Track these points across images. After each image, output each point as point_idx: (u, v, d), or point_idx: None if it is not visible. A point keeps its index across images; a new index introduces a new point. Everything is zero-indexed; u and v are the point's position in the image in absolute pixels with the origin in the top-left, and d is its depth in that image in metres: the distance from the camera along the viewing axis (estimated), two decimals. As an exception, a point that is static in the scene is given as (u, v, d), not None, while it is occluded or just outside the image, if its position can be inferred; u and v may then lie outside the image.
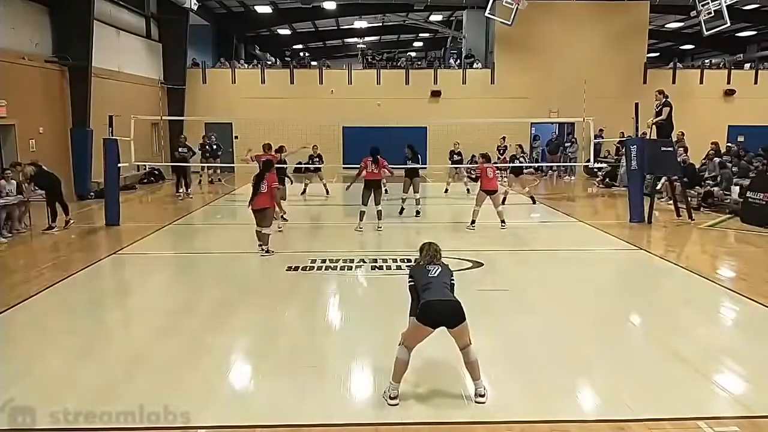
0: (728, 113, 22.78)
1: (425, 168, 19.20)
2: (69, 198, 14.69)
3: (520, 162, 16.08)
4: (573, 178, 21.02)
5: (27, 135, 13.42)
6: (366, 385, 4.79)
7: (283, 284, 7.90)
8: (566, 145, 22.49)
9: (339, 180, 19.40)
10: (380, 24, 29.19)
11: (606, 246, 10.26)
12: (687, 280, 8.01)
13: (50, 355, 5.41)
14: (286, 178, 12.69)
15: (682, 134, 16.81)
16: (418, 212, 12.97)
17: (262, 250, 8.99)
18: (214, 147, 19.29)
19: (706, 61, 29.34)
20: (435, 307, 4.35)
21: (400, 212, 12.89)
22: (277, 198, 9.28)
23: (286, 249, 9.19)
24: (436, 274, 4.53)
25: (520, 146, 18.13)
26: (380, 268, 8.49)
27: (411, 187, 13.05)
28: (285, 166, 13.10)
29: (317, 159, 15.58)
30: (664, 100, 11.91)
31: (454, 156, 18.30)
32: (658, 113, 11.92)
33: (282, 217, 10.93)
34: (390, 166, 11.61)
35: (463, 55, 24.14)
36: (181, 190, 15.87)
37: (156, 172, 19.66)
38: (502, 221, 11.21)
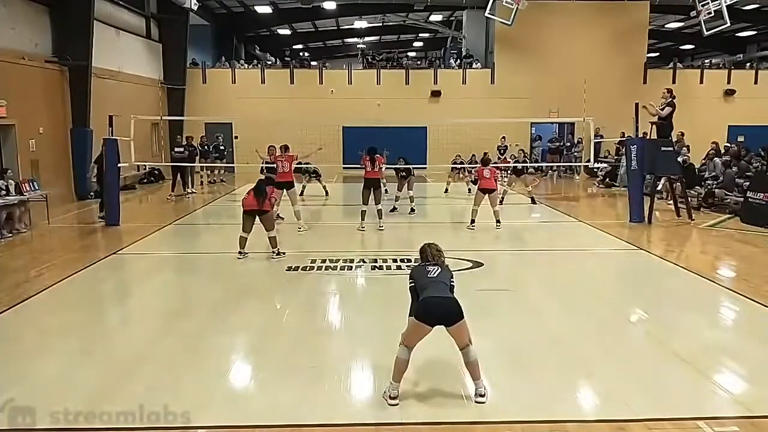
0: (728, 113, 22.79)
1: (425, 167, 19.29)
2: (69, 198, 14.81)
3: (522, 163, 16.15)
4: (577, 177, 21.03)
5: (27, 135, 13.43)
6: (366, 385, 4.79)
7: (283, 284, 7.90)
8: (567, 145, 22.51)
9: (339, 180, 19.45)
10: (380, 24, 29.19)
11: (606, 246, 10.25)
12: (687, 280, 8.01)
13: (50, 355, 5.41)
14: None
15: (682, 134, 16.82)
16: (412, 209, 13.10)
17: (274, 253, 8.99)
18: (221, 148, 19.45)
19: (706, 61, 29.35)
20: (432, 304, 4.35)
21: (392, 210, 12.92)
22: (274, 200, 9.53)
23: (286, 249, 9.18)
24: (435, 275, 4.54)
25: (522, 150, 18.21)
26: (380, 268, 8.48)
27: (405, 186, 13.35)
28: (301, 166, 14.26)
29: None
30: (669, 99, 11.90)
31: (457, 166, 18.58)
32: (662, 111, 11.92)
33: (278, 215, 11.03)
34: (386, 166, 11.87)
35: (463, 55, 24.14)
36: (171, 192, 15.83)
37: (156, 172, 19.67)
38: (497, 221, 11.22)
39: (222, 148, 19.54)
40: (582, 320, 6.34)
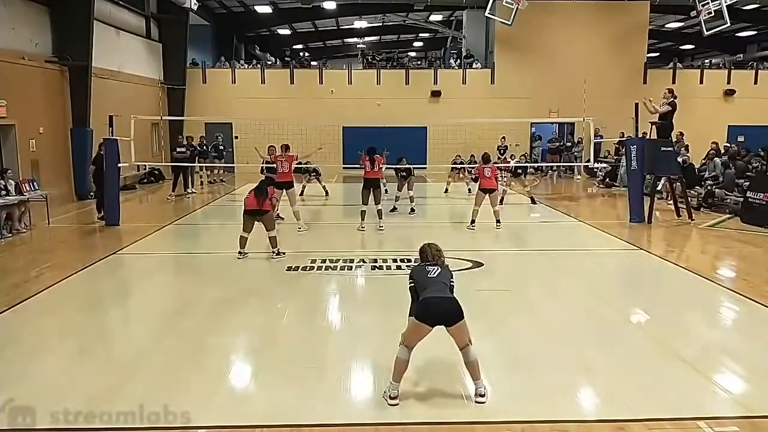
0: (728, 113, 22.79)
1: (425, 167, 19.30)
2: (69, 198, 14.82)
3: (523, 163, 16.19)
4: (579, 177, 21.01)
5: (27, 135, 13.42)
6: (366, 385, 4.79)
7: (283, 284, 7.90)
8: (567, 145, 22.51)
9: (339, 180, 19.45)
10: (380, 24, 29.19)
11: (606, 246, 10.25)
12: (687, 280, 8.01)
13: (50, 355, 5.41)
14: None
15: (681, 134, 16.82)
16: (412, 210, 13.08)
17: (274, 253, 8.99)
18: (221, 148, 19.47)
19: (706, 61, 29.33)
20: (433, 304, 4.36)
21: (392, 210, 12.93)
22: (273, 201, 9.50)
23: (286, 249, 9.18)
24: (435, 275, 4.54)
25: (524, 155, 18.19)
26: (380, 268, 8.48)
27: (405, 186, 13.33)
28: (301, 166, 14.24)
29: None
30: (670, 99, 11.88)
31: (457, 166, 18.61)
32: (660, 108, 11.92)
33: (278, 215, 11.04)
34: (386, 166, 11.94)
35: (463, 55, 24.14)
36: (172, 192, 15.80)
37: (156, 172, 19.69)
38: (498, 221, 11.22)
39: (221, 148, 19.56)
40: (582, 320, 6.35)
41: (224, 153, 19.61)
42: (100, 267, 8.74)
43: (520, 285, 7.83)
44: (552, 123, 23.60)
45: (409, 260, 8.45)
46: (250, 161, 16.61)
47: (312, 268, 8.47)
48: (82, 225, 12.03)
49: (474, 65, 23.54)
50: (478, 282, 7.75)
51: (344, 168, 18.82)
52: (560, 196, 16.94)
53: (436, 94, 22.74)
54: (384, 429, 4.12)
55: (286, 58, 25.91)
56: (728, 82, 23.34)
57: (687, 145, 16.72)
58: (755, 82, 23.40)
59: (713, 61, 29.04)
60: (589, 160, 16.16)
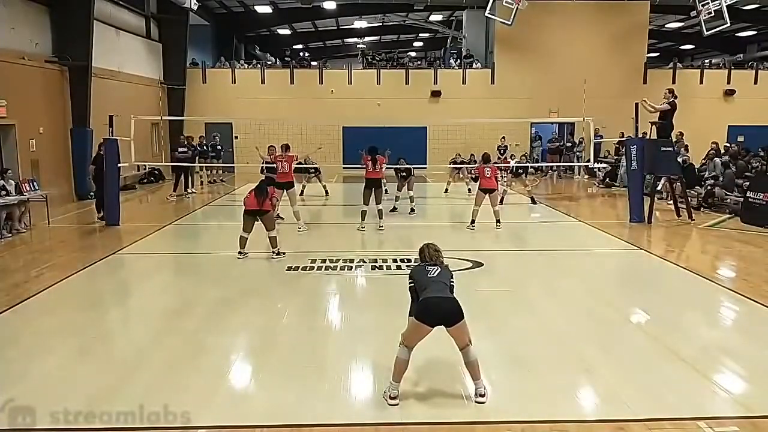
0: (728, 113, 22.79)
1: (425, 167, 19.30)
2: (69, 198, 14.82)
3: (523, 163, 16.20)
4: (587, 177, 20.95)
5: (27, 135, 13.43)
6: (366, 385, 4.79)
7: (283, 284, 7.90)
8: (567, 145, 22.50)
9: (339, 180, 19.45)
10: (380, 24, 29.20)
11: (606, 246, 10.25)
12: (687, 280, 8.01)
13: (50, 355, 5.41)
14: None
15: (681, 134, 16.83)
16: (412, 209, 13.09)
17: (274, 253, 8.99)
18: (219, 148, 19.45)
19: (706, 61, 29.34)
20: (433, 304, 4.36)
21: (392, 210, 12.94)
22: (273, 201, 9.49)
23: (287, 249, 9.18)
24: (435, 275, 4.54)
25: (525, 155, 18.15)
26: (380, 268, 8.48)
27: (405, 186, 13.33)
28: (302, 165, 14.29)
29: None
30: (670, 99, 11.87)
31: (457, 166, 18.63)
32: (658, 106, 11.92)
33: (278, 215, 11.03)
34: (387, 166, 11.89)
35: (463, 55, 24.14)
36: (172, 192, 15.77)
37: (156, 172, 19.68)
38: (498, 221, 11.22)
39: (219, 147, 19.53)
40: (582, 320, 6.35)
41: (222, 153, 19.59)
42: (100, 267, 8.74)
43: (520, 285, 7.83)
44: (552, 123, 23.61)
45: (409, 260, 8.45)
46: (250, 161, 16.60)
47: (312, 268, 8.47)
48: (82, 225, 12.02)
49: (474, 65, 23.54)
50: (478, 282, 7.75)
51: (344, 168, 18.82)
52: (560, 196, 16.93)
53: (436, 94, 22.73)
54: (384, 429, 4.12)
55: (286, 58, 25.90)
56: (728, 82, 23.35)
57: (687, 145, 16.73)
58: (755, 82, 23.40)
59: (713, 61, 29.05)
60: (589, 160, 16.16)
